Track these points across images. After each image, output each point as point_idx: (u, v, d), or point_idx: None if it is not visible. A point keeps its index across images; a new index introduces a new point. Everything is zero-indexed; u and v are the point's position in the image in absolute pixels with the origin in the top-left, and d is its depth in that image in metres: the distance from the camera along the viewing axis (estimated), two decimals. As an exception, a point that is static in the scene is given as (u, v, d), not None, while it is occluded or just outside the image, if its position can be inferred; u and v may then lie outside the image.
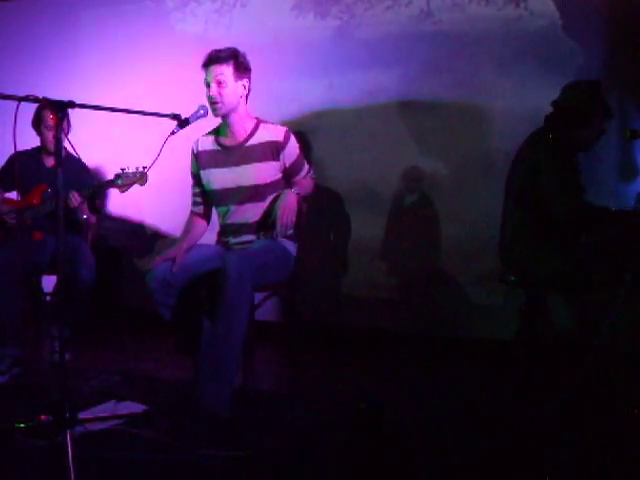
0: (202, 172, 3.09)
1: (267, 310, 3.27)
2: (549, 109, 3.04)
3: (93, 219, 3.67)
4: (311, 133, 4.11)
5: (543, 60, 3.65)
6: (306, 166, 3.16)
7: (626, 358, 2.77)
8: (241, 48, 2.99)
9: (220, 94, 2.91)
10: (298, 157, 3.09)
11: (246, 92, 3.00)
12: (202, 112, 2.84)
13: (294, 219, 2.88)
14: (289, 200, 2.90)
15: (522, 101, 3.61)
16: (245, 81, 2.98)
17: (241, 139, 3.03)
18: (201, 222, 3.20)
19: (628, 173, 3.51)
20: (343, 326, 4.06)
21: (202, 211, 3.19)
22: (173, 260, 2.89)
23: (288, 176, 3.09)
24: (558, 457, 2.42)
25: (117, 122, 4.26)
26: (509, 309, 3.30)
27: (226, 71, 2.91)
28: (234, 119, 3.01)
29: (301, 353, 3.29)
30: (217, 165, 3.05)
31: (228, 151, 3.04)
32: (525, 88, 3.66)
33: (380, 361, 3.69)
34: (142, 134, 4.11)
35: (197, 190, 3.17)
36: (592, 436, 2.58)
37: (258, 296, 2.95)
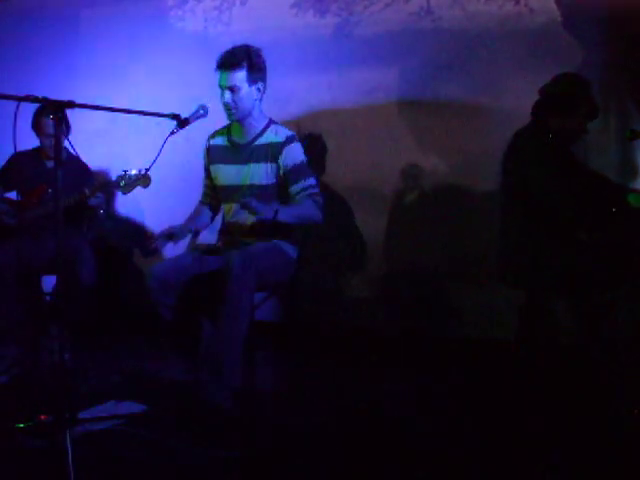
0: (211, 166, 3.11)
1: (267, 310, 3.27)
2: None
3: (104, 218, 3.66)
4: (310, 131, 4.10)
5: (543, 57, 3.64)
6: (309, 180, 2.98)
7: (626, 358, 2.77)
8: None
9: (234, 101, 2.90)
10: (298, 165, 2.97)
11: (261, 95, 2.97)
12: (202, 112, 2.83)
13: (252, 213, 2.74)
14: (260, 208, 2.75)
15: (522, 98, 3.59)
16: (260, 84, 2.95)
17: (250, 138, 3.02)
18: (207, 211, 3.20)
19: (628, 173, 3.51)
20: (343, 326, 4.06)
21: (210, 203, 3.19)
22: (170, 237, 2.89)
23: (284, 183, 2.99)
24: (558, 457, 2.42)
25: (117, 122, 4.26)
26: (509, 309, 3.30)
27: (239, 76, 2.89)
28: (248, 121, 3.00)
29: (301, 353, 3.29)
30: (224, 161, 3.06)
31: (236, 149, 3.04)
32: (525, 85, 3.64)
33: (380, 361, 3.69)
34: (142, 134, 4.11)
35: (207, 182, 3.19)
36: (592, 436, 2.58)
37: (258, 296, 2.94)
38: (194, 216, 3.16)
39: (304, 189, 2.96)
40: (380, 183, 4.03)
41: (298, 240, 3.11)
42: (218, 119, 3.09)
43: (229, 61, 2.89)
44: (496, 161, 3.24)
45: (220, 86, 2.92)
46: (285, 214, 2.81)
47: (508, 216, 3.04)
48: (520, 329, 3.12)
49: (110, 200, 3.64)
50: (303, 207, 2.94)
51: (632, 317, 2.76)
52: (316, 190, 2.98)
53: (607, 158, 3.52)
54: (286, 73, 4.19)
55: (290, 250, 3.03)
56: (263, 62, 2.97)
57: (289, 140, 2.98)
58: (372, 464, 2.40)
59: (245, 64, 2.89)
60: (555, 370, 3.05)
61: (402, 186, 4.01)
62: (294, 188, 2.97)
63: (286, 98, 4.16)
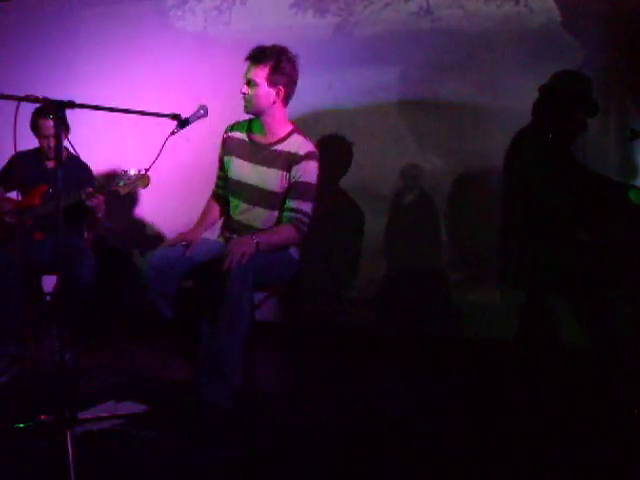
0: (226, 157, 3.08)
1: (267, 310, 3.27)
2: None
3: (104, 219, 3.65)
4: (310, 132, 4.09)
5: (543, 57, 3.64)
6: (305, 205, 2.93)
7: (626, 358, 2.77)
8: (240, 46, 2.96)
9: (249, 94, 2.90)
10: (304, 184, 2.93)
11: (280, 98, 2.91)
12: (202, 112, 2.82)
13: (243, 262, 2.65)
14: (243, 242, 2.73)
15: (521, 99, 3.60)
16: (280, 87, 2.88)
17: (272, 140, 2.98)
18: (218, 207, 3.18)
19: (628, 173, 3.51)
20: (343, 326, 4.06)
21: (222, 195, 3.16)
22: (186, 245, 2.88)
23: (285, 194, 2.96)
24: (558, 457, 2.43)
25: (117, 122, 4.26)
26: (509, 309, 3.30)
27: (259, 73, 2.86)
28: (267, 120, 2.97)
29: (301, 353, 3.29)
30: (241, 156, 3.03)
31: (256, 147, 3.01)
32: (524, 85, 3.64)
33: (380, 361, 3.69)
34: (142, 134, 4.11)
35: (220, 174, 3.15)
36: (592, 436, 2.58)
37: (258, 296, 2.93)
38: (203, 217, 3.15)
39: (294, 211, 2.92)
40: (380, 183, 4.03)
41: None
42: (218, 119, 3.09)
43: (256, 55, 2.88)
44: (496, 161, 3.26)
45: (244, 76, 2.92)
46: (265, 245, 2.79)
47: (508, 216, 3.05)
48: (520, 329, 3.13)
49: (110, 200, 3.63)
50: (282, 235, 2.92)
51: (632, 317, 2.75)
52: (305, 219, 2.93)
53: (607, 158, 3.52)
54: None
55: (292, 251, 3.02)
56: (292, 69, 2.91)
57: (309, 156, 2.94)
58: (372, 464, 2.40)
59: (270, 63, 2.85)
60: (555, 370, 3.06)
61: (402, 186, 4.01)
62: (288, 203, 2.94)
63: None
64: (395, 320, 3.99)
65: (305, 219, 2.93)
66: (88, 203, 3.33)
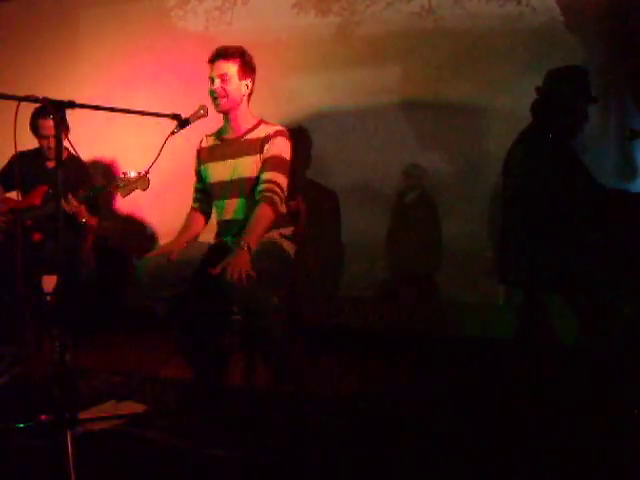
0: (202, 167, 3.09)
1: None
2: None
3: (93, 221, 3.65)
4: (311, 132, 4.11)
5: (544, 57, 3.64)
6: (279, 177, 2.88)
7: (626, 358, 2.77)
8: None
9: (223, 89, 2.92)
10: (276, 157, 2.91)
11: (249, 92, 3.00)
12: (202, 112, 2.83)
13: (243, 277, 2.53)
14: (240, 260, 2.61)
15: (523, 98, 3.60)
16: (249, 81, 2.98)
17: (240, 133, 3.02)
18: (199, 219, 3.16)
19: (628, 173, 3.51)
20: (343, 326, 4.06)
21: (201, 208, 3.16)
22: (168, 254, 2.86)
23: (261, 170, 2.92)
24: (558, 457, 2.42)
25: (117, 122, 4.26)
26: (509, 309, 3.30)
27: (231, 68, 2.92)
28: (234, 116, 3.00)
29: (301, 353, 3.29)
30: (214, 159, 3.04)
31: (226, 144, 3.03)
32: (526, 85, 3.64)
33: (380, 361, 3.69)
34: (142, 134, 4.11)
35: (198, 186, 3.15)
36: (592, 436, 2.58)
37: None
38: (184, 230, 3.11)
39: (267, 182, 2.88)
40: (380, 183, 4.03)
41: (297, 238, 3.10)
42: (218, 119, 3.09)
43: (223, 53, 2.94)
44: (496, 161, 3.26)
45: (210, 77, 2.94)
46: (254, 240, 2.73)
47: (508, 216, 3.04)
48: (520, 329, 3.12)
49: (109, 200, 3.64)
50: (262, 221, 2.83)
51: (632, 317, 2.75)
52: (278, 189, 2.87)
53: (607, 158, 3.53)
54: (287, 73, 4.19)
55: (289, 248, 3.01)
56: (254, 64, 3.01)
57: (278, 133, 2.96)
58: (372, 464, 2.40)
59: (238, 59, 2.94)
60: (555, 370, 3.05)
61: (403, 186, 4.01)
62: (260, 176, 2.90)
63: (287, 98, 4.16)
64: (395, 320, 3.99)
65: (278, 190, 2.87)
66: (67, 210, 3.31)
